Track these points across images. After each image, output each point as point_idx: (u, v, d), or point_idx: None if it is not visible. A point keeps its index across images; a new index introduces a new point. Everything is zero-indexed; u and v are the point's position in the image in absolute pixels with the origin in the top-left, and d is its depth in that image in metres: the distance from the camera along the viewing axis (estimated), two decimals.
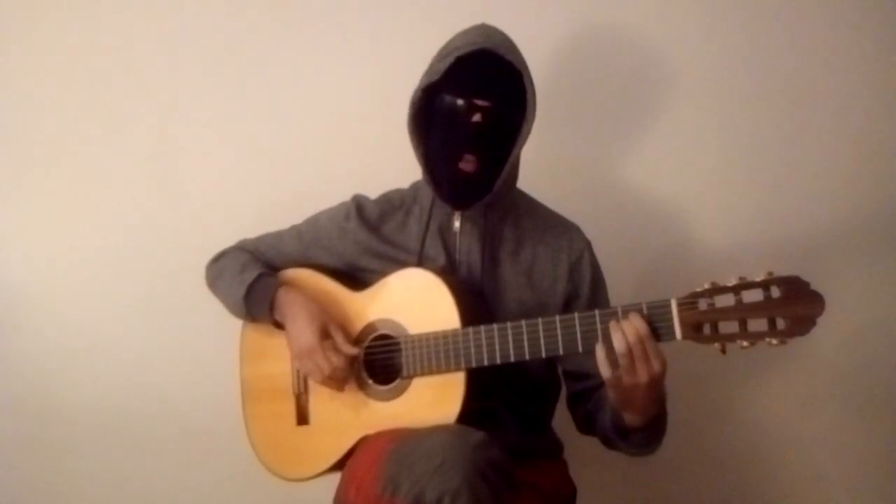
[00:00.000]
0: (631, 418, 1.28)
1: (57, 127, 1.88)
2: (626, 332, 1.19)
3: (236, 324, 1.55)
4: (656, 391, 1.23)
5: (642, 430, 1.29)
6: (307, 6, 1.87)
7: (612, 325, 1.21)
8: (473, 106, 1.35)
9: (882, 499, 1.81)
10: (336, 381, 1.39)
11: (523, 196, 1.52)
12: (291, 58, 1.87)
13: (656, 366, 1.19)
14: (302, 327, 1.39)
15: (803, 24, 1.81)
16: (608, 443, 1.39)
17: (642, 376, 1.19)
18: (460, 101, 1.36)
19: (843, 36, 1.80)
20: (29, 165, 1.88)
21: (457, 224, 1.46)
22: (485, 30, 1.41)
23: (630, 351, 1.18)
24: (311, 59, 1.87)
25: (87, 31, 1.87)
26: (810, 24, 1.81)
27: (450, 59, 1.36)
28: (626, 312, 1.20)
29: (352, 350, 1.39)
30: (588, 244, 1.48)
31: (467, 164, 1.37)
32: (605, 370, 1.21)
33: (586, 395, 1.43)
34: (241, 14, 1.87)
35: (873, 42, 1.80)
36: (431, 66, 1.40)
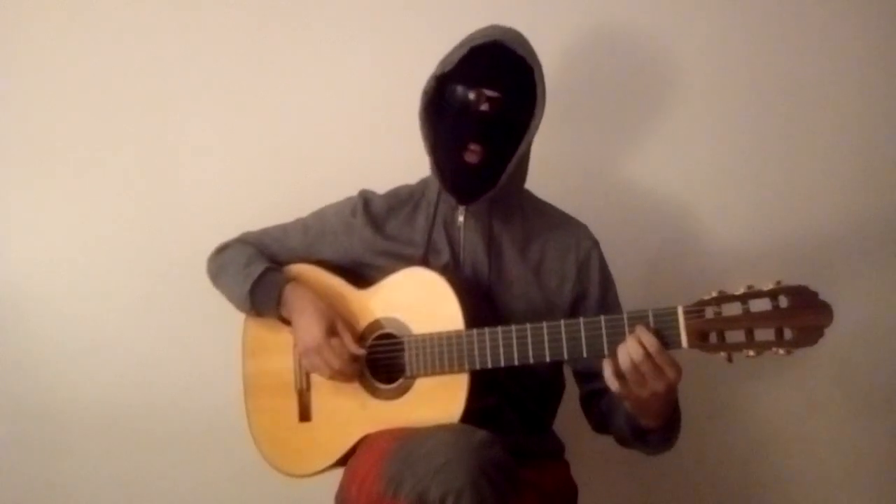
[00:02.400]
0: (648, 422, 1.28)
1: (56, 126, 1.86)
2: (630, 352, 1.17)
3: (238, 321, 1.54)
4: (671, 394, 1.23)
5: (661, 429, 1.29)
6: (312, 1, 1.85)
7: (620, 346, 1.19)
8: (482, 96, 1.35)
9: (883, 498, 1.82)
10: (344, 377, 1.39)
11: (531, 197, 1.52)
12: (295, 52, 1.85)
13: (671, 375, 1.18)
14: (310, 323, 1.39)
15: (805, 24, 1.80)
16: (625, 443, 1.39)
17: (658, 387, 1.18)
18: (470, 91, 1.36)
19: (844, 36, 1.79)
20: (28, 165, 1.87)
21: (460, 219, 1.45)
22: (502, 27, 1.41)
23: (637, 367, 1.17)
24: (316, 53, 1.85)
25: (87, 30, 1.86)
26: (812, 25, 1.80)
27: (464, 50, 1.37)
28: (633, 326, 1.19)
29: (358, 350, 1.38)
30: (596, 243, 1.48)
31: (472, 154, 1.36)
32: (612, 385, 1.20)
33: (598, 394, 1.42)
34: (245, 8, 1.85)
35: (875, 42, 1.79)
36: (446, 57, 1.40)
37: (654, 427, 1.28)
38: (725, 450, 1.83)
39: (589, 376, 1.42)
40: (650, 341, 1.17)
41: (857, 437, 1.82)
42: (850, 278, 1.77)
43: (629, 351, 1.18)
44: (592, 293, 1.44)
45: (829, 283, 1.14)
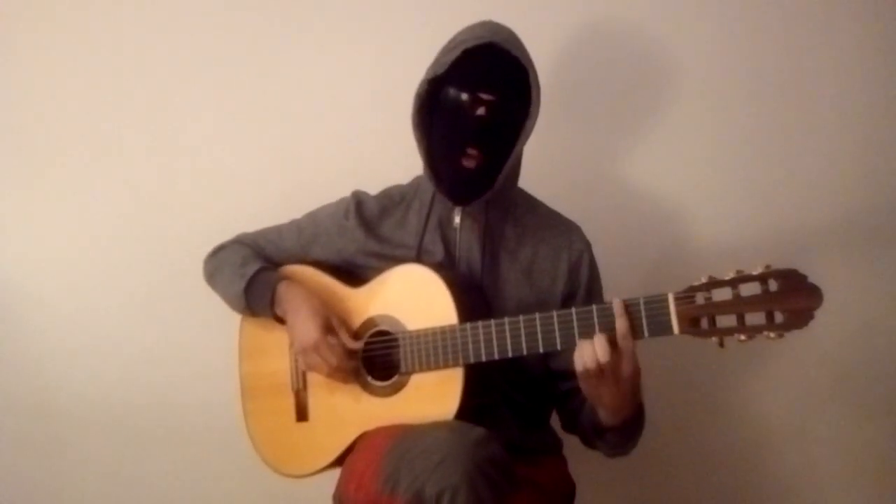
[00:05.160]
0: (605, 416, 1.29)
1: (55, 125, 1.87)
2: (596, 345, 1.20)
3: (235, 321, 1.55)
4: (626, 391, 1.23)
5: (618, 430, 1.31)
6: (307, 2, 1.87)
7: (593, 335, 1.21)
8: (478, 100, 1.35)
9: (881, 497, 1.81)
10: (341, 375, 1.39)
11: (524, 194, 1.52)
12: (291, 53, 1.87)
13: (627, 369, 1.20)
14: (304, 321, 1.39)
15: (803, 22, 1.81)
16: (587, 441, 1.41)
17: (608, 376, 1.20)
18: (465, 95, 1.36)
19: (843, 35, 1.80)
20: (28, 163, 1.88)
21: (457, 220, 1.45)
22: (492, 25, 1.41)
23: (597, 361, 1.19)
24: (311, 54, 1.86)
25: (87, 29, 1.87)
26: (810, 23, 1.81)
27: (456, 52, 1.36)
28: (612, 312, 1.20)
29: (355, 344, 1.39)
30: (588, 245, 1.48)
31: (470, 159, 1.37)
32: (577, 364, 1.22)
33: (571, 393, 1.42)
34: (242, 10, 1.87)
35: (873, 41, 1.80)
36: (437, 59, 1.40)
37: (612, 425, 1.29)
38: (724, 448, 1.83)
39: (566, 375, 1.41)
40: (622, 326, 1.19)
41: (857, 436, 1.81)
42: (848, 276, 1.77)
43: (596, 345, 1.20)
44: (580, 294, 1.45)
45: (826, 281, 1.14)
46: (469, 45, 1.35)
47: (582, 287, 1.45)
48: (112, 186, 1.87)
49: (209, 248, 1.59)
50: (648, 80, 1.84)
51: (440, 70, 1.38)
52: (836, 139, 1.80)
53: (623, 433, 1.31)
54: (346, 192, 1.56)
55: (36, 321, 1.87)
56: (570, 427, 1.47)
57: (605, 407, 1.27)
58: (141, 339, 1.86)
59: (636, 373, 1.22)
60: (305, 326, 1.38)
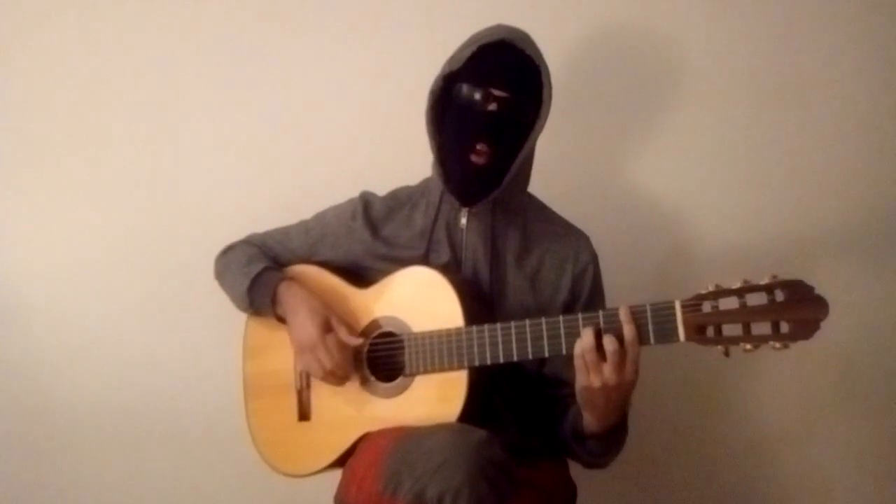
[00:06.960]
0: (591, 421, 1.29)
1: (57, 126, 1.87)
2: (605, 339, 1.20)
3: (237, 322, 1.55)
4: (621, 396, 1.24)
5: (599, 438, 1.31)
6: (315, 1, 1.86)
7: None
8: (490, 96, 1.36)
9: (882, 499, 1.81)
10: (336, 377, 1.39)
11: (535, 201, 1.52)
12: (297, 53, 1.86)
13: (629, 374, 1.20)
14: (303, 321, 1.39)
15: (805, 24, 1.81)
16: (566, 448, 1.40)
17: (611, 378, 1.20)
18: (478, 91, 1.36)
19: (843, 36, 1.80)
20: (29, 165, 1.88)
21: (463, 221, 1.45)
22: (508, 26, 1.42)
23: (600, 350, 1.20)
24: (317, 54, 1.86)
25: (87, 30, 1.87)
26: (812, 25, 1.81)
27: (472, 48, 1.38)
28: (618, 317, 1.21)
29: (356, 340, 1.38)
30: (594, 258, 1.48)
31: (479, 155, 1.37)
32: (577, 349, 1.22)
33: (558, 401, 1.42)
34: (247, 9, 1.86)
35: (874, 42, 1.80)
36: (453, 56, 1.41)
37: (594, 431, 1.30)
38: (725, 449, 1.83)
39: (557, 383, 1.42)
40: (630, 332, 1.19)
41: (856, 437, 1.82)
42: (851, 279, 1.77)
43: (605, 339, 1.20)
44: (579, 306, 1.44)
45: (830, 284, 1.15)
46: (484, 41, 1.37)
47: (583, 298, 1.45)
48: (114, 187, 1.87)
49: (213, 251, 1.58)
50: (653, 84, 1.84)
51: (455, 66, 1.39)
52: (841, 143, 1.80)
53: (605, 441, 1.31)
54: (354, 193, 1.56)
55: (37, 323, 1.86)
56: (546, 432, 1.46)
57: (595, 410, 1.26)
58: (141, 341, 1.86)
59: (635, 381, 1.22)
60: (304, 326, 1.39)
